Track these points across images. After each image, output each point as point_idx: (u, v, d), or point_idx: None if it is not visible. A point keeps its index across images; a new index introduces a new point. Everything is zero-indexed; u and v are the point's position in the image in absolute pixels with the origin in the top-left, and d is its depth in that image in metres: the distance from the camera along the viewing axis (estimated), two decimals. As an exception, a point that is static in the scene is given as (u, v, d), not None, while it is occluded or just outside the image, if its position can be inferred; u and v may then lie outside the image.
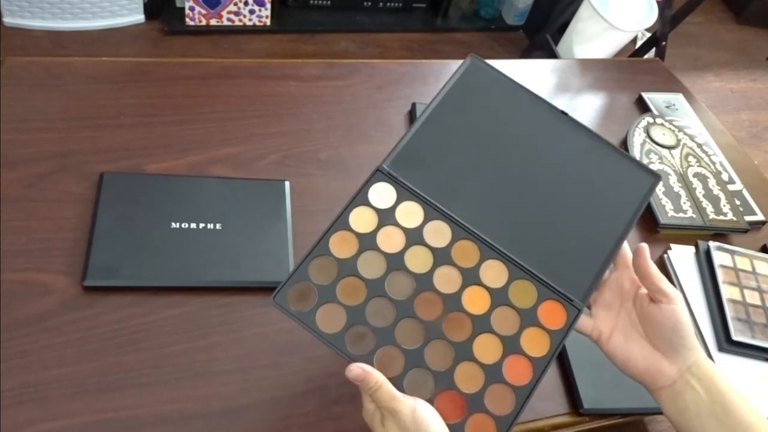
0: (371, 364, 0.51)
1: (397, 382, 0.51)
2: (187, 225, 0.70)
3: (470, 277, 0.55)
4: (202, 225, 0.71)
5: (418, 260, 0.55)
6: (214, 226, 0.71)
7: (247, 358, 0.63)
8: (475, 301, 0.54)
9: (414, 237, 0.56)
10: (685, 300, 0.78)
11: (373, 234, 0.56)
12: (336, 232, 0.55)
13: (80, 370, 0.59)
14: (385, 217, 0.57)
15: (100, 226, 0.68)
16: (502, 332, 0.54)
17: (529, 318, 0.54)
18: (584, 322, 0.54)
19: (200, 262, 0.68)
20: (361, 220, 0.56)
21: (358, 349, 0.52)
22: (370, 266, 0.55)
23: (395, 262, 0.55)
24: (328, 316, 0.53)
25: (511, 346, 0.53)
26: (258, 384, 0.62)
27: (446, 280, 0.55)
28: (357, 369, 0.49)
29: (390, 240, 0.56)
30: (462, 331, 0.53)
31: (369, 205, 0.57)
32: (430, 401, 0.51)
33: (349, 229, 0.56)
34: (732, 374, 0.71)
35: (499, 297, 0.55)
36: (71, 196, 0.72)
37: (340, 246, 0.55)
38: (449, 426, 0.50)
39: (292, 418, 0.61)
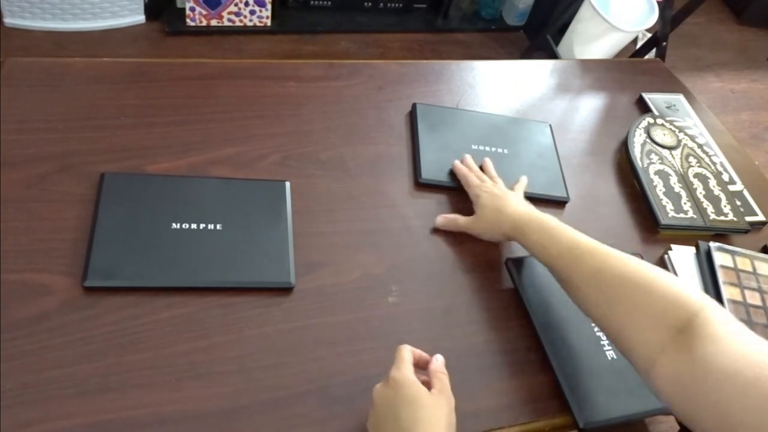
0: None
1: None
2: (187, 225, 0.70)
3: None
4: (202, 225, 0.71)
5: None
6: (215, 226, 0.71)
7: (248, 359, 0.63)
8: None
9: None
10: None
11: None
12: None
13: (80, 370, 0.59)
14: None
15: (101, 227, 0.68)
16: None
17: None
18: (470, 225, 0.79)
19: (201, 262, 0.68)
20: None
21: None
22: None
23: None
24: None
25: None
26: (258, 384, 0.62)
27: None
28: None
29: None
30: None
31: None
32: None
33: None
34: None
35: None
36: (72, 196, 0.72)
37: None
38: None
39: (292, 418, 0.61)
